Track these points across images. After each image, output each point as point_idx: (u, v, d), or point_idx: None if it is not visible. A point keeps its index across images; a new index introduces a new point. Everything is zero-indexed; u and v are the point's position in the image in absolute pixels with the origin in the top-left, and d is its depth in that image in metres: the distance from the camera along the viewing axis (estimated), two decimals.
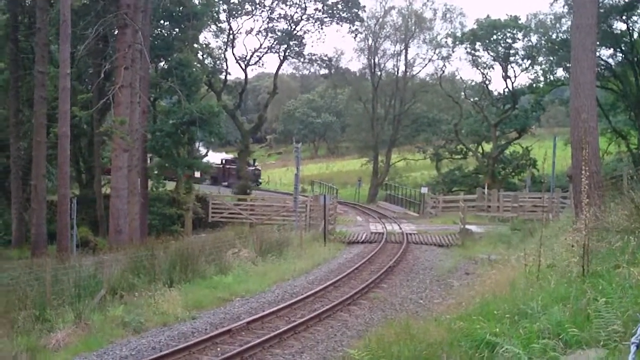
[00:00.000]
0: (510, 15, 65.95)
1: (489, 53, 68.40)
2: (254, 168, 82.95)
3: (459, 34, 70.70)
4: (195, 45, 55.15)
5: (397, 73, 79.76)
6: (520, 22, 65.83)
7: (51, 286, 18.50)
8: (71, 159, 38.37)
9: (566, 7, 54.14)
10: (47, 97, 36.88)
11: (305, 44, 72.05)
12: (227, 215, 46.16)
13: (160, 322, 17.76)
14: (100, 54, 44.31)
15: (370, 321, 17.96)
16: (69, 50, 32.51)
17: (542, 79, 64.16)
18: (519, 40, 66.57)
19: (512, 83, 68.63)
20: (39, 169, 35.07)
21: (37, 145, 35.25)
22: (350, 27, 72.55)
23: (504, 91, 70.47)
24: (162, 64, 53.14)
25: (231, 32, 68.36)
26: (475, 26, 67.57)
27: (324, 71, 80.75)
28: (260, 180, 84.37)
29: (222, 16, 65.95)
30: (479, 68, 70.49)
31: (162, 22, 52.55)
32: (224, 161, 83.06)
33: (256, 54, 70.58)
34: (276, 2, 68.69)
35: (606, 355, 7.27)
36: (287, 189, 74.96)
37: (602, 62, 54.35)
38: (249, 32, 70.99)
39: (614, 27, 52.95)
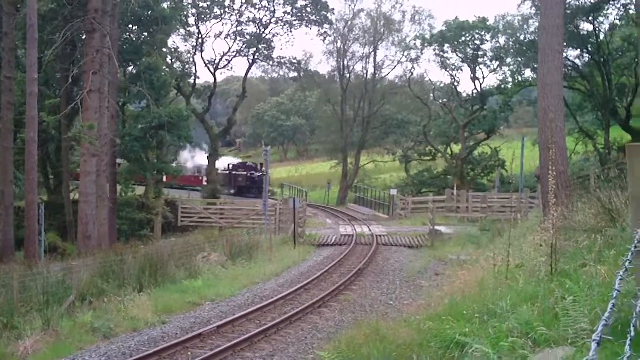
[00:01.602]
0: (479, 17, 66.30)
1: (457, 55, 68.70)
2: (260, 174, 75.75)
3: (427, 36, 70.82)
4: (164, 50, 54.95)
5: (366, 75, 79.97)
6: (488, 23, 66.11)
7: (19, 293, 18.40)
8: (39, 165, 38.18)
9: (533, 8, 54.48)
10: (14, 102, 36.57)
11: (274, 47, 72.36)
12: (197, 220, 46.19)
13: (130, 327, 17.67)
14: (68, 58, 44.08)
15: (341, 323, 17.96)
16: (36, 55, 32.31)
17: (510, 80, 64.50)
18: (487, 41, 66.93)
19: (481, 84, 68.97)
20: (6, 175, 34.79)
21: (4, 151, 34.96)
22: (319, 30, 73.00)
23: (472, 92, 70.76)
24: (130, 68, 53.05)
25: (200, 36, 68.38)
26: (443, 28, 67.77)
27: (293, 74, 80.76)
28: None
29: (191, 20, 66.11)
30: (448, 70, 70.77)
31: (130, 26, 52.34)
32: (230, 166, 79.30)
33: (225, 57, 70.77)
34: (245, 6, 68.70)
35: (574, 353, 7.30)
36: None
37: (569, 63, 54.78)
38: (218, 36, 71.16)
39: (580, 28, 53.39)
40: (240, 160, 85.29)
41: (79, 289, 20.20)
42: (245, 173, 77.65)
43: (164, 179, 70.76)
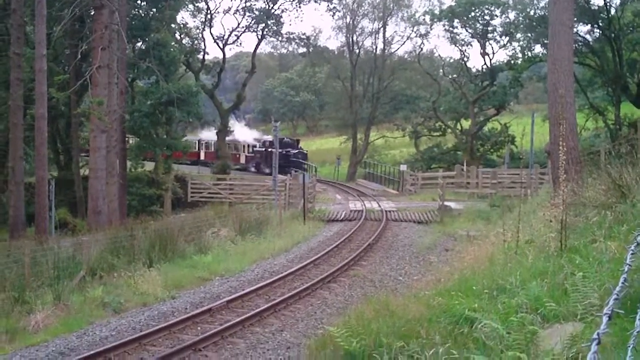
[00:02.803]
0: None
1: (467, 30, 68.49)
2: (297, 151, 71.29)
3: (437, 11, 70.36)
4: (173, 25, 54.77)
5: (376, 51, 79.52)
6: None
7: (30, 268, 18.48)
8: (49, 141, 38.22)
9: None
10: (23, 78, 36.55)
11: (283, 23, 71.73)
12: (206, 195, 46.16)
13: (140, 302, 17.78)
14: (76, 34, 44.06)
15: (350, 298, 18.04)
16: (44, 31, 32.29)
17: (520, 55, 64.17)
18: (497, 17, 66.65)
19: (490, 60, 68.77)
20: (16, 151, 34.87)
21: (14, 127, 35.03)
22: (328, 5, 72.44)
23: (482, 68, 70.64)
24: (139, 44, 52.91)
25: (209, 11, 67.99)
26: (453, 3, 67.43)
27: (302, 50, 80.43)
28: (306, 167, 67.62)
29: None
30: (457, 45, 70.61)
31: (139, 2, 52.22)
32: (267, 143, 71.40)
33: (234, 33, 70.33)
34: None
35: (583, 329, 7.31)
36: None
37: (580, 38, 54.51)
38: (226, 12, 71.03)
39: (591, 2, 53.08)
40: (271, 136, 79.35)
41: (89, 264, 20.29)
42: (280, 150, 68.04)
43: (203, 156, 69.24)
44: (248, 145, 78.37)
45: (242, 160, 73.90)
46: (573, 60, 25.53)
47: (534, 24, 57.81)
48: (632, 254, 3.72)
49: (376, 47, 79.75)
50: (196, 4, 65.34)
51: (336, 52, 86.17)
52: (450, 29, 68.85)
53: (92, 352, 13.31)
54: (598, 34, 55.65)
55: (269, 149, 67.84)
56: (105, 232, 26.09)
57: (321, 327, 14.67)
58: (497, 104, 66.94)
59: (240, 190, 46.90)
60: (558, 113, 18.65)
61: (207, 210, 35.10)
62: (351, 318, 11.44)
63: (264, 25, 70.17)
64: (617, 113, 54.53)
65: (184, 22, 64.16)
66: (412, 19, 76.25)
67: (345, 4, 77.94)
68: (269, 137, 73.43)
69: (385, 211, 37.55)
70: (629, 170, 14.05)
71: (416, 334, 9.31)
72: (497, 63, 68.55)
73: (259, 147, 74.63)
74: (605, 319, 2.73)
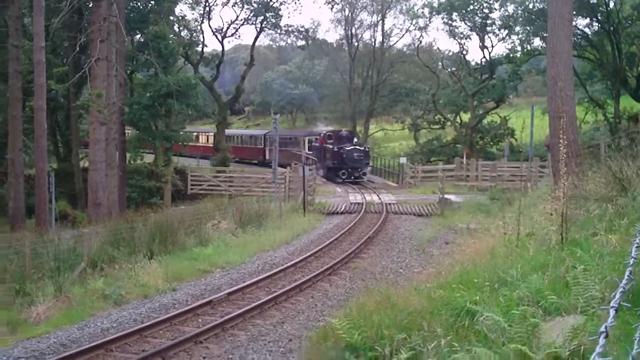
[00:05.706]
0: None
1: (465, 23, 68.41)
2: (353, 147, 55.11)
3: (435, 4, 70.31)
4: (171, 18, 54.78)
5: (374, 44, 79.67)
6: None
7: (31, 260, 18.47)
8: (48, 133, 38.22)
9: None
10: (22, 70, 36.61)
11: (281, 16, 71.77)
12: (206, 187, 46.19)
13: (141, 294, 17.78)
14: (75, 27, 44.04)
15: (351, 291, 18.03)
16: (43, 23, 32.29)
17: (519, 48, 64.20)
18: (496, 10, 66.61)
19: (489, 53, 68.88)
20: (16, 143, 34.90)
21: (13, 120, 35.06)
22: None
23: (481, 61, 70.71)
24: (138, 36, 52.97)
25: (207, 3, 67.99)
26: None
27: (301, 42, 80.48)
28: (367, 169, 56.95)
29: None
30: (456, 38, 70.56)
31: None
32: (325, 137, 58.31)
33: (233, 25, 70.39)
34: None
35: (584, 321, 7.34)
36: None
37: (579, 32, 54.57)
38: (225, 4, 70.51)
39: None
40: (330, 129, 64.94)
41: (90, 256, 20.29)
42: (332, 147, 54.97)
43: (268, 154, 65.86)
44: (309, 140, 67.48)
45: (303, 159, 59.80)
46: (572, 54, 25.55)
47: (533, 17, 57.82)
48: (637, 246, 3.73)
49: (375, 40, 79.98)
50: None
51: (335, 45, 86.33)
52: (449, 22, 68.84)
53: (93, 343, 13.32)
54: (597, 28, 55.75)
55: (325, 145, 56.83)
56: (106, 224, 26.08)
57: (322, 319, 14.70)
58: (496, 97, 66.91)
59: (239, 183, 46.93)
60: (558, 106, 18.68)
61: (207, 203, 35.09)
62: (352, 310, 11.45)
63: (262, 17, 70.18)
64: (617, 106, 54.63)
65: (182, 15, 64.28)
66: (410, 12, 76.32)
67: None
68: (325, 129, 65.16)
69: (386, 204, 37.51)
70: (629, 164, 14.09)
71: (418, 327, 9.32)
72: (496, 56, 68.71)
73: (315, 143, 62.35)
74: (612, 312, 2.75)
